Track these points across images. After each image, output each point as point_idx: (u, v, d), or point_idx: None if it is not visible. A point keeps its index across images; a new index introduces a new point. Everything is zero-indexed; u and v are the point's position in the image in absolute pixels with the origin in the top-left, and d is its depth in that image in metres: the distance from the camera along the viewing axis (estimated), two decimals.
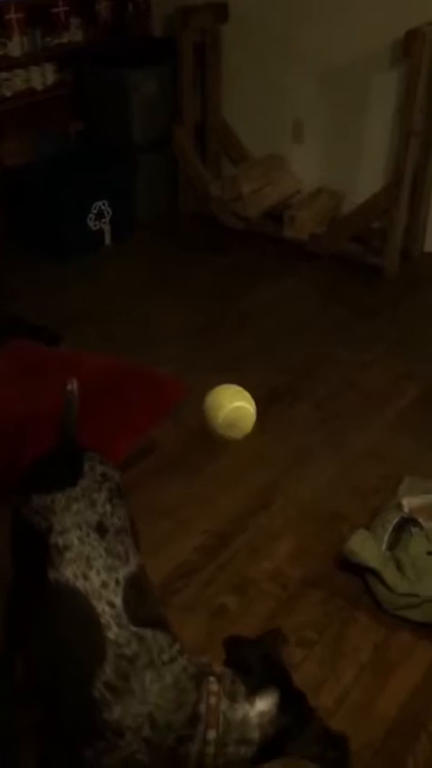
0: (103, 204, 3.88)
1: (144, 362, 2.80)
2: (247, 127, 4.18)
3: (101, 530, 1.42)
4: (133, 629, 1.31)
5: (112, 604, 1.33)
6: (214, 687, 1.27)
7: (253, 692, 1.28)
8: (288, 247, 3.92)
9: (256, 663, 1.33)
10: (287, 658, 1.42)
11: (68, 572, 1.35)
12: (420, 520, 2.18)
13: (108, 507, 1.46)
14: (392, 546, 2.14)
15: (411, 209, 3.71)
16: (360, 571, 2.09)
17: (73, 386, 1.64)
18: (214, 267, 3.82)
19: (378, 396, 2.90)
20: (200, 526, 2.29)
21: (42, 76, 3.89)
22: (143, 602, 1.38)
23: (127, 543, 1.45)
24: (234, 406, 1.67)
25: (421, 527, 2.16)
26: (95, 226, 3.89)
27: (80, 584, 1.34)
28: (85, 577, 1.35)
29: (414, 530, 2.16)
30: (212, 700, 1.26)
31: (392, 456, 2.58)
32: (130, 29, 4.22)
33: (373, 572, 2.04)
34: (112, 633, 1.30)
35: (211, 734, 1.24)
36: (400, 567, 2.05)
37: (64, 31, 3.92)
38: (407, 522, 2.18)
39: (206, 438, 2.66)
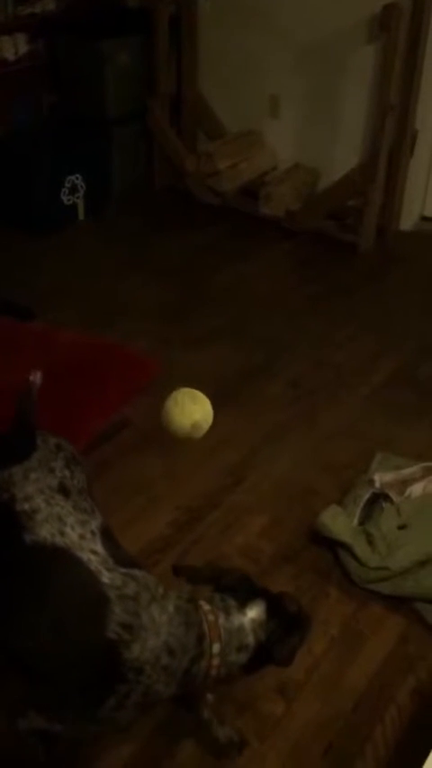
0: (77, 178, 3.83)
1: (118, 339, 2.79)
2: (224, 101, 4.14)
3: (64, 491, 1.47)
4: (122, 570, 1.38)
5: (95, 552, 1.38)
6: (207, 607, 1.39)
7: (243, 604, 1.41)
8: (263, 224, 3.90)
9: (236, 582, 1.45)
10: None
11: (44, 532, 1.39)
12: (391, 495, 2.20)
13: (67, 472, 1.52)
14: (364, 521, 2.16)
15: (387, 187, 3.71)
16: (332, 546, 2.11)
17: (35, 377, 1.65)
18: (189, 243, 3.80)
19: (352, 373, 2.91)
20: (173, 502, 2.29)
21: (14, 47, 3.81)
22: (118, 548, 1.45)
23: (89, 501, 1.51)
24: (192, 424, 1.67)
25: (392, 502, 2.18)
26: (69, 200, 3.84)
27: (59, 540, 1.38)
28: (62, 534, 1.39)
29: (385, 504, 2.18)
30: (211, 617, 1.37)
31: (365, 432, 2.60)
32: None
33: (345, 546, 2.06)
34: (106, 577, 1.35)
35: (216, 647, 1.36)
36: (371, 541, 2.07)
37: (37, 0, 3.83)
38: (378, 498, 2.21)
39: None
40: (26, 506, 1.42)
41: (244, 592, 1.43)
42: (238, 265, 3.62)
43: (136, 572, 1.39)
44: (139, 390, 2.65)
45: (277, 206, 3.87)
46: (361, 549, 2.04)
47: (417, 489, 2.21)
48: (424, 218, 3.98)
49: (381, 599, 2.00)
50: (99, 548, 1.40)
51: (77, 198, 3.87)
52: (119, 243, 3.79)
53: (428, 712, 1.74)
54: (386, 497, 2.20)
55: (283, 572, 2.08)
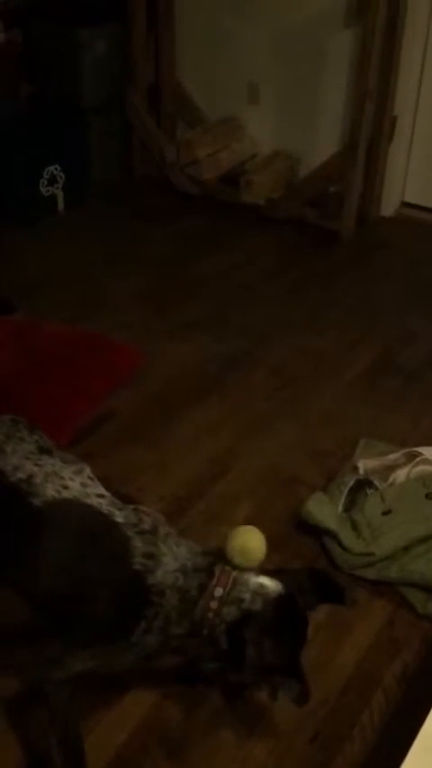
0: (56, 169, 3.79)
1: (100, 330, 2.78)
2: (203, 88, 4.11)
3: (46, 451, 1.53)
4: (131, 507, 1.47)
5: (101, 495, 1.47)
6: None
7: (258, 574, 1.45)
8: (244, 212, 3.89)
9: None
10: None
11: (49, 491, 1.44)
12: (375, 481, 2.22)
13: (36, 436, 1.57)
14: (349, 507, 2.17)
15: (367, 173, 3.71)
16: (317, 533, 2.12)
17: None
18: (169, 232, 3.78)
19: (334, 360, 2.92)
20: (158, 492, 2.29)
21: None
22: (114, 493, 1.53)
23: (70, 454, 1.58)
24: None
25: (376, 488, 2.19)
26: (48, 191, 3.81)
27: (66, 494, 1.44)
28: (66, 487, 1.46)
29: (369, 491, 2.19)
30: (222, 564, 1.43)
31: (348, 420, 2.61)
32: None
33: (330, 533, 2.08)
34: (119, 517, 1.44)
35: (219, 591, 1.40)
36: (356, 527, 2.08)
37: None
38: (362, 484, 2.22)
39: (163, 404, 2.67)
40: (20, 475, 1.46)
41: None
42: (219, 254, 3.61)
43: (143, 508, 1.48)
44: (122, 381, 2.64)
45: (258, 194, 3.86)
46: (346, 535, 2.05)
47: (401, 475, 2.22)
48: (404, 204, 3.98)
49: (366, 584, 2.02)
50: (102, 490, 1.48)
51: (57, 189, 3.84)
52: (99, 234, 3.77)
53: (415, 696, 1.76)
54: (370, 484, 2.21)
55: (269, 560, 2.05)
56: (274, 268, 3.54)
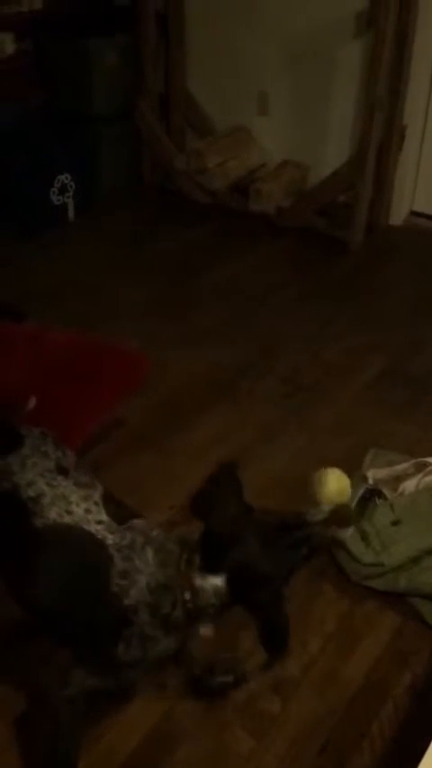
0: (66, 178, 3.82)
1: (109, 338, 2.79)
2: (212, 98, 4.14)
3: (62, 471, 1.56)
4: (123, 527, 1.51)
5: (100, 522, 1.50)
6: (186, 555, 1.47)
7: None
8: (253, 221, 3.90)
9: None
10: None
11: (52, 514, 1.49)
12: (385, 491, 2.21)
13: (59, 453, 1.60)
14: (358, 517, 2.17)
15: (376, 182, 3.71)
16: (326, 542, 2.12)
17: (31, 403, 1.72)
18: (180, 241, 3.79)
19: (343, 369, 2.92)
20: (167, 501, 2.29)
21: (1, 46, 3.79)
22: (119, 506, 1.56)
23: (87, 473, 1.60)
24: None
25: (386, 498, 2.19)
26: (59, 200, 3.83)
27: (67, 519, 1.49)
28: (69, 512, 1.50)
29: (379, 501, 2.18)
30: (185, 566, 1.45)
31: (358, 428, 2.60)
32: None
33: (339, 543, 2.07)
34: (110, 539, 1.48)
35: (187, 594, 1.43)
36: (365, 537, 2.07)
37: None
38: (372, 494, 2.21)
39: (173, 412, 2.67)
40: (31, 492, 1.51)
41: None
42: (228, 263, 3.62)
43: (134, 522, 1.52)
44: (131, 389, 2.65)
45: (267, 203, 3.87)
46: (355, 545, 2.04)
47: (410, 485, 2.22)
48: (413, 213, 3.99)
49: (375, 595, 2.01)
50: (103, 516, 1.51)
51: (67, 197, 3.86)
52: (109, 242, 3.78)
53: (424, 707, 1.75)
54: (379, 493, 2.21)
55: None
56: (284, 277, 3.55)
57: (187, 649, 1.70)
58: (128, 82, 4.00)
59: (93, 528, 1.49)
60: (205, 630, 1.66)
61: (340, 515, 1.56)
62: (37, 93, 4.07)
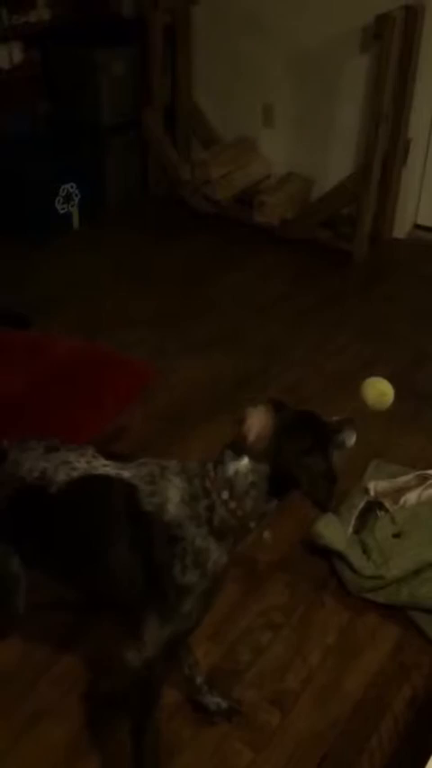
0: (72, 187, 3.83)
1: (113, 346, 2.79)
2: (218, 110, 4.16)
3: (53, 449, 1.62)
4: (134, 463, 1.54)
5: (106, 465, 1.55)
6: (209, 464, 1.48)
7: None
8: (258, 232, 3.91)
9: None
10: None
11: (61, 477, 1.54)
12: (386, 503, 2.20)
13: (43, 442, 1.65)
14: (359, 529, 2.16)
15: (380, 195, 3.72)
16: (327, 554, 2.11)
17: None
18: (184, 251, 3.80)
19: (346, 381, 2.91)
20: None
21: (9, 55, 3.82)
22: (115, 455, 1.60)
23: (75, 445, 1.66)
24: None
25: (387, 510, 2.18)
26: (63, 209, 3.85)
27: (75, 474, 1.54)
28: (74, 469, 1.55)
29: (380, 513, 2.18)
30: (211, 472, 1.46)
31: (359, 440, 2.58)
32: (99, 8, 4.15)
33: (340, 555, 2.06)
34: (126, 474, 1.51)
35: (225, 493, 1.44)
36: (365, 550, 2.07)
37: (31, 9, 3.84)
38: (373, 506, 2.21)
39: (175, 422, 2.67)
40: (35, 474, 1.55)
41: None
42: (232, 274, 3.63)
43: (142, 459, 1.55)
44: (134, 398, 2.65)
45: (271, 214, 3.88)
46: (356, 557, 2.03)
47: (411, 497, 2.21)
48: (417, 227, 3.99)
49: (376, 608, 2.00)
50: (106, 461, 1.56)
51: (72, 206, 3.88)
52: (114, 251, 3.79)
53: (424, 721, 1.74)
54: (381, 506, 2.20)
55: (278, 581, 2.08)
56: (287, 288, 3.55)
57: (188, 663, 1.70)
58: (134, 93, 4.02)
59: (103, 470, 1.54)
60: (267, 534, 1.77)
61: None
62: (44, 103, 4.09)
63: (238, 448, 1.46)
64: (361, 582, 2.01)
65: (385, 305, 3.46)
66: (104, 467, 1.55)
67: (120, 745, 1.66)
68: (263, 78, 3.95)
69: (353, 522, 2.17)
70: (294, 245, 3.84)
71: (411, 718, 1.75)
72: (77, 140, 3.93)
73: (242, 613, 1.97)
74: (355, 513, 2.19)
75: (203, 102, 4.17)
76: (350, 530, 2.15)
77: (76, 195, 3.87)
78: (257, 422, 1.48)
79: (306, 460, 1.46)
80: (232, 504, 1.45)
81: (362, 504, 2.21)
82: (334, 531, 2.10)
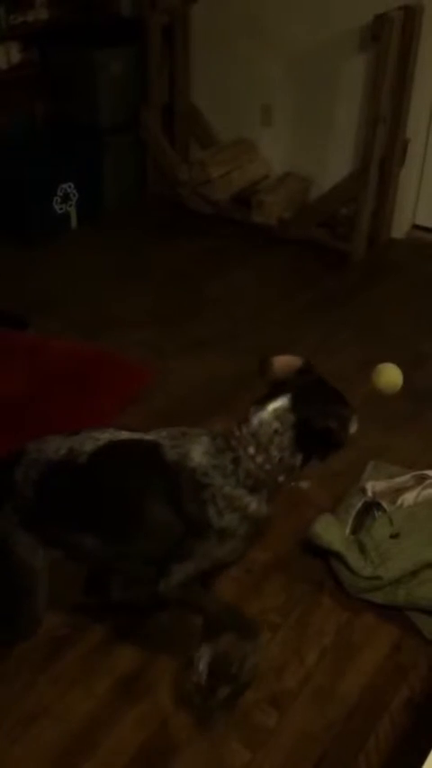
0: (69, 187, 3.83)
1: (111, 347, 2.79)
2: (216, 110, 4.16)
3: (74, 432, 1.68)
4: (155, 431, 1.65)
5: (128, 434, 1.65)
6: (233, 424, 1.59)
7: (263, 403, 1.58)
8: (256, 232, 3.91)
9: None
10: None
11: (87, 447, 1.61)
12: (384, 503, 2.20)
13: (59, 435, 1.70)
14: (356, 530, 2.16)
15: (378, 196, 3.72)
16: (324, 555, 2.11)
17: None
18: (182, 251, 3.80)
19: (344, 381, 2.90)
20: None
21: (7, 55, 3.82)
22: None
23: None
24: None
25: (384, 510, 2.18)
26: (61, 209, 3.84)
27: (101, 442, 1.61)
28: (98, 439, 1.63)
29: (377, 513, 2.18)
30: (235, 430, 1.57)
31: (358, 441, 2.55)
32: (98, 8, 4.15)
33: (337, 555, 2.06)
34: (149, 437, 1.62)
35: (251, 449, 1.54)
36: (363, 550, 2.07)
37: (29, 8, 3.84)
38: (370, 506, 2.21)
39: (172, 423, 2.66)
40: (62, 451, 1.62)
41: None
42: (230, 273, 3.63)
43: (162, 429, 1.65)
44: (132, 398, 2.65)
45: (269, 214, 3.88)
46: (353, 558, 2.03)
47: (409, 498, 2.21)
48: (415, 227, 3.99)
49: (373, 608, 2.00)
50: (128, 432, 1.66)
51: (70, 206, 3.88)
52: (112, 251, 3.79)
53: (421, 722, 1.74)
54: (378, 506, 2.20)
55: (275, 581, 2.08)
56: (285, 288, 3.55)
57: (195, 657, 1.69)
58: (133, 93, 4.02)
59: (126, 435, 1.63)
60: (304, 484, 1.87)
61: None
62: (42, 103, 4.09)
63: (262, 399, 1.57)
64: (358, 582, 2.01)
65: (383, 305, 3.46)
66: (129, 434, 1.65)
67: (117, 745, 1.67)
68: (261, 78, 3.95)
69: (350, 522, 2.17)
70: (292, 245, 3.84)
71: (409, 719, 1.76)
72: (75, 140, 3.93)
73: None
74: (353, 513, 2.19)
75: (202, 102, 4.17)
76: (348, 530, 2.15)
77: (74, 195, 3.87)
78: (283, 359, 1.64)
79: (332, 407, 1.61)
80: (259, 459, 1.53)
81: (359, 505, 2.21)
82: (332, 531, 2.10)
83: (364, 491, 2.26)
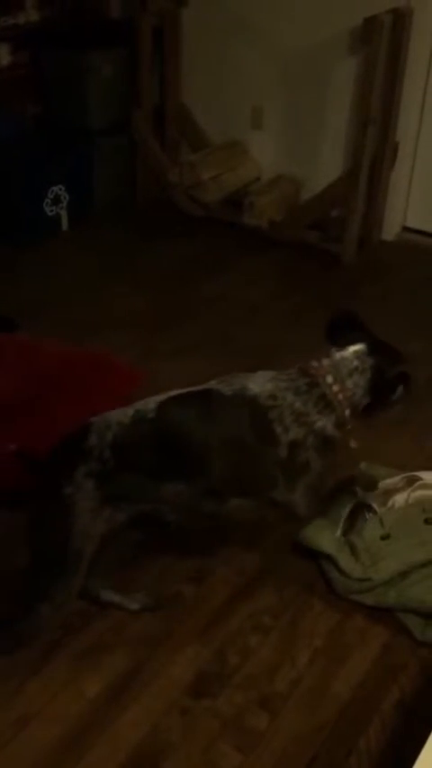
0: (60, 189, 3.83)
1: (102, 349, 2.79)
2: (207, 112, 4.16)
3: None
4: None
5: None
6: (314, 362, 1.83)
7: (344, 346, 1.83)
8: (247, 234, 3.92)
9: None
10: None
11: (151, 405, 1.80)
12: (374, 505, 2.21)
13: None
14: (347, 532, 2.16)
15: (369, 197, 3.73)
16: (315, 557, 2.11)
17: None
18: (173, 253, 3.80)
19: None
20: None
21: None
22: None
23: None
24: None
25: (375, 512, 2.18)
26: (52, 211, 3.84)
27: (161, 398, 1.82)
28: (156, 400, 1.82)
29: (368, 515, 2.18)
30: (315, 363, 1.83)
31: (347, 443, 2.60)
32: (88, 10, 4.15)
33: (328, 557, 2.07)
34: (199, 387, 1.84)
35: (329, 378, 1.78)
36: (354, 552, 2.07)
37: (19, 10, 3.84)
38: (361, 508, 2.21)
39: None
40: (130, 414, 1.79)
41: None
42: (221, 276, 3.63)
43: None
44: (124, 400, 2.64)
45: (260, 216, 3.88)
46: (344, 560, 2.04)
47: (400, 499, 2.22)
48: (405, 229, 4.01)
49: (364, 610, 2.00)
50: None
51: (60, 209, 3.87)
52: (102, 253, 3.79)
53: (412, 722, 1.74)
54: (369, 508, 2.20)
55: (266, 583, 2.08)
56: (276, 290, 3.56)
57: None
58: (123, 95, 4.02)
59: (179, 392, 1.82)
60: (353, 443, 2.03)
61: None
62: (32, 105, 4.09)
63: (341, 342, 1.82)
64: (349, 584, 2.01)
65: (374, 307, 3.46)
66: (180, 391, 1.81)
67: (109, 747, 1.67)
68: (252, 81, 3.96)
69: (341, 524, 2.17)
70: (283, 247, 3.84)
71: (399, 720, 1.76)
72: (66, 142, 3.92)
73: (231, 616, 1.98)
74: (344, 515, 2.19)
75: (192, 104, 4.17)
76: (338, 532, 2.15)
77: (65, 197, 3.86)
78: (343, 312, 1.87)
79: (401, 363, 1.81)
80: (335, 387, 1.73)
81: (350, 506, 2.21)
82: (322, 533, 2.11)
83: (355, 492, 2.26)
